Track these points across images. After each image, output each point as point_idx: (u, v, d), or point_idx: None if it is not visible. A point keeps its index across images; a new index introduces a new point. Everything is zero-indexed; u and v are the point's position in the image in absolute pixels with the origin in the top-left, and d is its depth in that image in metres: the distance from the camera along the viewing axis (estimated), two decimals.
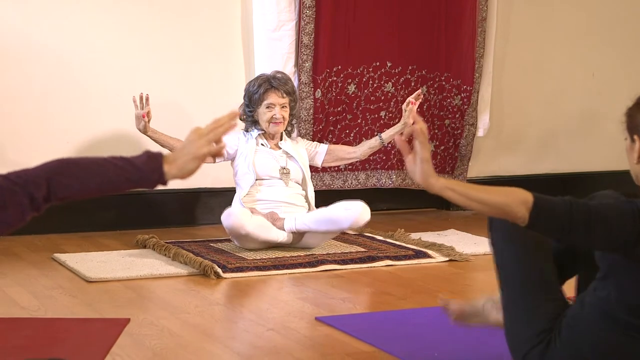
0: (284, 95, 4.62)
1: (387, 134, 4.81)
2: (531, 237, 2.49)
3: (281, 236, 4.45)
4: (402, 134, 2.45)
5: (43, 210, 1.88)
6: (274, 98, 4.59)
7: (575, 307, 2.42)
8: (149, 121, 4.51)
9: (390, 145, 5.26)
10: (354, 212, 4.43)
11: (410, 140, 2.22)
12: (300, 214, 4.53)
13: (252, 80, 4.71)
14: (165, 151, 2.31)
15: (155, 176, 1.92)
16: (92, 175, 1.90)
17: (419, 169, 2.18)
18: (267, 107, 4.59)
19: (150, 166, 1.92)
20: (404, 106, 4.70)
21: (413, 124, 2.22)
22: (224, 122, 2.00)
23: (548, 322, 2.41)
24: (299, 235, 4.50)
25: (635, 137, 2.32)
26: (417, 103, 4.64)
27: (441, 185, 2.19)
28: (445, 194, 2.19)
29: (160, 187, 1.97)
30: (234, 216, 4.36)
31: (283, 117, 4.61)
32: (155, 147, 4.51)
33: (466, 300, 2.76)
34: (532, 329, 2.43)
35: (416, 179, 2.20)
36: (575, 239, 2.21)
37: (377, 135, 4.88)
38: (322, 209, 4.51)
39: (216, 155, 2.00)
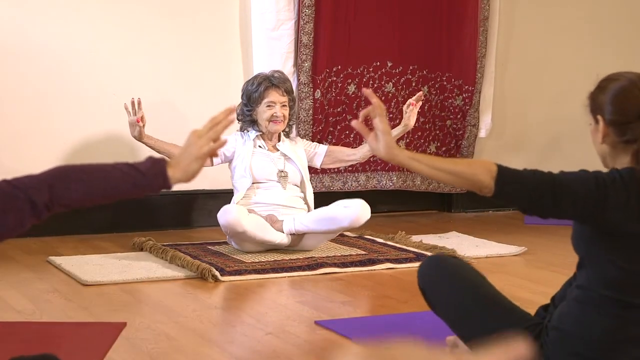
0: (284, 93, 4.57)
1: None
2: (466, 275, 2.48)
3: (279, 237, 4.39)
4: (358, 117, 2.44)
5: (44, 217, 1.86)
6: (274, 96, 4.54)
7: (558, 308, 2.39)
8: (143, 126, 4.41)
9: None
10: (353, 210, 4.36)
11: (367, 121, 2.26)
12: (299, 215, 4.47)
13: (250, 79, 4.67)
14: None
15: (160, 180, 1.93)
16: (97, 180, 1.90)
17: (382, 141, 2.20)
18: (268, 106, 4.54)
19: (155, 171, 1.93)
20: (404, 107, 4.65)
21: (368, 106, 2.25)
22: (220, 119, 2.03)
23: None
24: (298, 237, 4.45)
25: (599, 117, 2.34)
26: (418, 105, 4.59)
27: (405, 155, 2.21)
28: (409, 164, 2.20)
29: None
30: (230, 213, 4.29)
31: (283, 116, 4.56)
32: (154, 155, 4.49)
33: None
34: None
35: (380, 153, 2.22)
36: (543, 208, 2.21)
37: None
38: (321, 209, 4.46)
39: (217, 148, 2.02)
